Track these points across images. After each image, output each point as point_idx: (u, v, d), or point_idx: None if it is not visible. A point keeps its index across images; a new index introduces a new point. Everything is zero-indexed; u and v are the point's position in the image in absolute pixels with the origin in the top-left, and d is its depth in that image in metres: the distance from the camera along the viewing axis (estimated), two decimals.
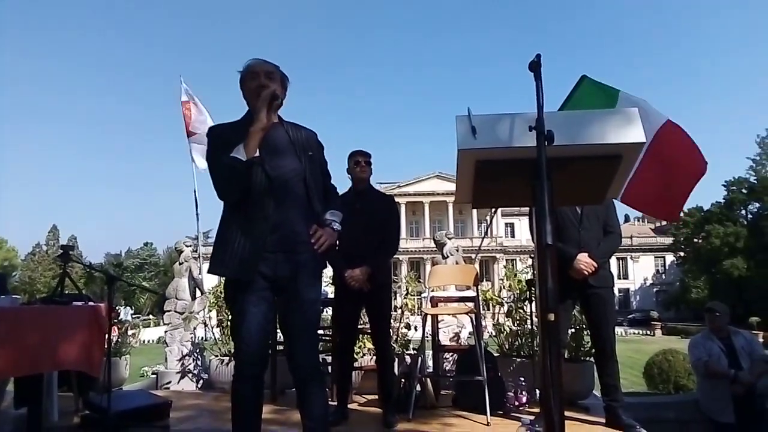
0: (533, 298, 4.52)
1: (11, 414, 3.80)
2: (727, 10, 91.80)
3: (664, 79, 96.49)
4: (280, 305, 2.38)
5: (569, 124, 1.84)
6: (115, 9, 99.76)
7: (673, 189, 4.12)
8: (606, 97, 4.21)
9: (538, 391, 4.23)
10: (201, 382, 5.68)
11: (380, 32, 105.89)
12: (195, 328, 6.13)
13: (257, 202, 2.29)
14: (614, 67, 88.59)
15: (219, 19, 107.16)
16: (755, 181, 45.64)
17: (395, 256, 4.19)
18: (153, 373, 6.79)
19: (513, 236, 56.59)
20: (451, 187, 50.75)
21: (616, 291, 4.05)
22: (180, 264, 6.50)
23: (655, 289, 56.57)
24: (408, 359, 5.20)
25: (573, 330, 4.60)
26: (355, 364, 4.57)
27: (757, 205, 45.98)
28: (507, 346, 5.21)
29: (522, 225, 55.28)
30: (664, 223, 59.63)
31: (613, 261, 3.99)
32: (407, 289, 5.98)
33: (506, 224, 56.92)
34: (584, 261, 3.52)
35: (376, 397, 4.42)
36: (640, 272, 56.85)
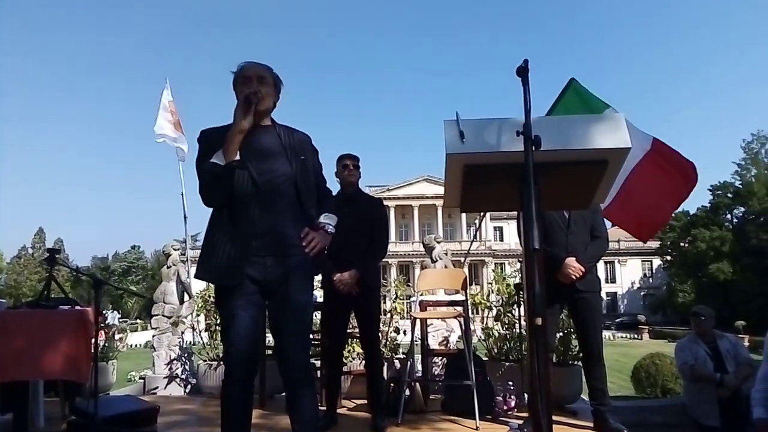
0: (522, 302, 4.54)
1: None
2: (714, 13, 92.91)
3: (650, 83, 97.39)
4: (272, 309, 2.37)
5: (556, 129, 1.87)
6: (99, 8, 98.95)
7: (654, 211, 4.20)
8: (590, 108, 4.27)
9: (526, 396, 4.24)
10: (189, 387, 5.64)
11: (368, 35, 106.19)
12: (183, 333, 6.09)
13: (242, 207, 2.29)
14: (601, 71, 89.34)
15: (208, 21, 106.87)
16: (740, 186, 46.18)
17: (384, 260, 4.19)
18: (140, 378, 6.74)
19: (502, 240, 56.80)
20: (441, 190, 50.67)
21: (603, 295, 4.09)
22: (168, 267, 6.46)
23: (642, 293, 56.99)
24: (397, 363, 5.21)
25: (561, 334, 4.63)
26: (344, 369, 4.56)
27: (742, 209, 46.51)
28: (496, 350, 5.23)
29: (511, 229, 55.45)
30: None
31: (600, 265, 4.02)
32: (396, 293, 5.98)
33: (495, 228, 57.12)
34: (572, 265, 3.54)
35: (365, 401, 4.41)
36: (627, 276, 57.26)
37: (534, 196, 1.68)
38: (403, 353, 5.50)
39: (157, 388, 5.68)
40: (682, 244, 49.83)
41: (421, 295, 4.84)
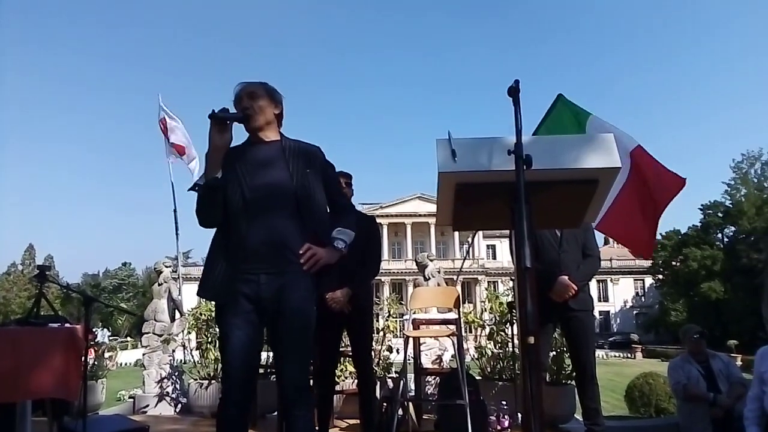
0: (514, 321, 4.53)
1: None
2: (702, 37, 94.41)
3: (641, 102, 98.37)
4: (269, 327, 2.32)
5: (547, 148, 1.89)
6: (89, 27, 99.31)
7: (646, 220, 4.20)
8: (577, 119, 4.30)
9: (520, 415, 4.22)
10: (179, 406, 5.58)
11: (360, 53, 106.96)
12: (174, 351, 6.04)
13: (235, 224, 2.29)
14: (593, 90, 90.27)
15: (204, 37, 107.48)
16: (731, 205, 46.57)
17: (377, 278, 4.18)
18: (130, 397, 6.67)
19: (495, 258, 56.80)
20: (433, 208, 49.92)
21: (596, 313, 4.09)
22: (159, 285, 6.43)
23: (635, 312, 56.99)
24: (390, 383, 5.17)
25: (554, 353, 4.62)
26: (337, 388, 4.53)
27: (733, 228, 46.87)
28: (489, 369, 5.21)
29: (503, 247, 55.49)
30: None
31: (593, 283, 4.03)
32: (389, 311, 5.96)
33: (488, 246, 57.16)
34: (564, 284, 3.54)
35: (358, 421, 4.37)
36: (620, 295, 57.30)
37: (525, 215, 1.69)
38: (395, 372, 5.47)
39: (147, 407, 5.61)
40: (673, 263, 50.04)
41: (414, 313, 4.83)
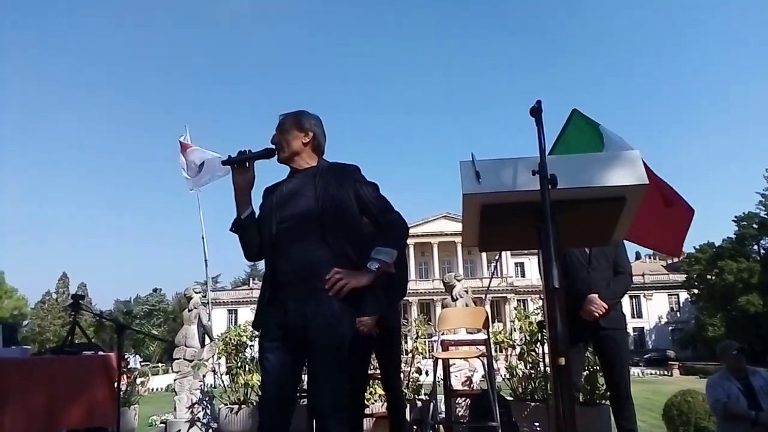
0: (545, 340, 4.47)
1: None
2: (733, 43, 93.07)
3: (671, 115, 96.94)
4: (303, 353, 2.32)
5: (572, 167, 1.87)
6: (119, 64, 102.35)
7: (671, 223, 4.11)
8: (595, 133, 4.26)
9: None
10: (210, 431, 5.60)
11: (384, 75, 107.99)
12: (204, 376, 6.09)
13: (266, 256, 2.40)
14: (620, 105, 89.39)
15: (224, 76, 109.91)
16: (766, 216, 45.37)
17: (405, 298, 4.16)
18: (161, 423, 6.72)
19: (523, 276, 56.19)
20: (459, 227, 50.18)
21: (630, 330, 4.00)
22: (189, 311, 6.50)
23: (670, 328, 55.61)
24: (420, 405, 5.12)
25: (587, 372, 4.53)
26: (366, 411, 4.50)
27: None
28: (520, 390, 5.13)
29: (532, 264, 54.89)
30: (675, 259, 59.18)
31: (626, 300, 3.94)
32: (417, 333, 5.93)
33: (516, 264, 56.61)
34: (594, 303, 3.48)
35: None
36: (654, 310, 56.00)
37: (552, 235, 1.67)
38: (425, 394, 5.42)
39: (179, 431, 5.66)
40: (708, 276, 48.78)
41: (443, 334, 4.80)
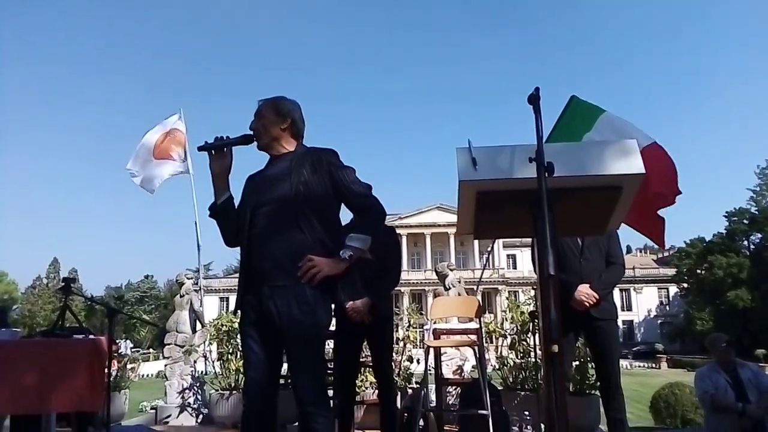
0: (537, 330, 4.48)
1: None
2: (728, 42, 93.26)
3: (665, 110, 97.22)
4: (279, 339, 2.30)
5: (569, 155, 1.87)
6: (119, 48, 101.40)
7: (652, 208, 4.12)
8: (586, 118, 4.26)
9: (543, 426, 4.16)
10: (201, 416, 5.61)
11: (378, 64, 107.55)
12: (195, 362, 6.08)
13: (242, 242, 2.39)
14: (619, 96, 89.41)
15: (224, 55, 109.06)
16: (756, 212, 45.71)
17: (397, 288, 4.16)
18: (152, 408, 6.72)
19: (515, 267, 56.38)
20: (452, 218, 50.76)
21: (620, 323, 4.00)
22: (181, 296, 6.48)
23: (659, 321, 56.05)
24: (410, 392, 5.14)
25: (577, 363, 4.56)
26: (357, 398, 4.51)
27: (759, 235, 45.99)
28: (511, 380, 5.15)
29: (524, 256, 55.08)
30: (666, 253, 59.51)
31: (615, 292, 3.93)
32: (409, 321, 5.94)
33: (508, 255, 56.76)
34: (585, 292, 3.48)
35: (379, 431, 4.35)
36: (643, 304, 56.41)
37: (548, 222, 1.67)
38: (416, 383, 5.44)
39: (169, 417, 5.65)
40: (698, 271, 49.16)
41: (435, 323, 4.80)
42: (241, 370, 5.30)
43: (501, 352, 5.49)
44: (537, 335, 4.48)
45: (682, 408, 11.44)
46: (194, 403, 5.70)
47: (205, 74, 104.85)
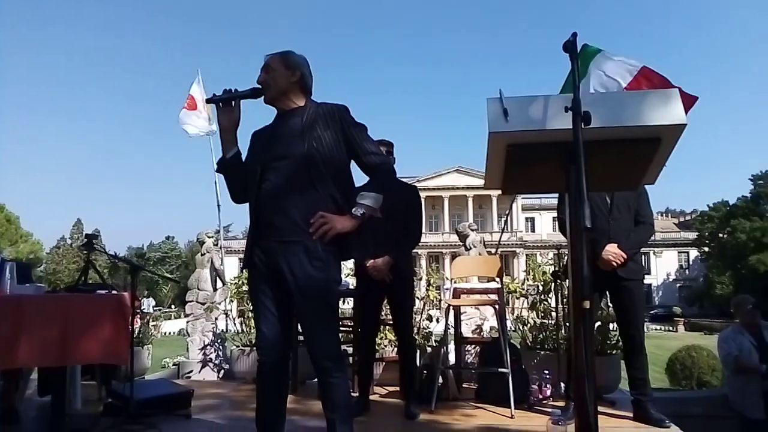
0: (558, 290, 4.43)
1: (35, 401, 3.84)
2: (757, 8, 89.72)
3: (690, 71, 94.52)
4: (289, 296, 2.28)
5: (605, 104, 1.78)
6: (139, 11, 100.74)
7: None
8: (584, 63, 4.28)
9: (562, 385, 4.16)
10: (222, 372, 5.70)
11: (397, 29, 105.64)
12: (216, 319, 6.15)
13: (251, 197, 2.35)
14: (646, 54, 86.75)
15: (238, 22, 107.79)
16: None
17: (414, 250, 4.11)
18: (174, 364, 6.85)
19: (533, 231, 56.13)
20: (471, 181, 50.46)
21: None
22: (202, 255, 6.52)
23: (678, 285, 55.79)
24: (429, 351, 5.15)
25: (599, 323, 4.52)
26: (377, 356, 4.53)
27: None
28: (530, 339, 5.14)
29: (542, 219, 54.80)
30: (688, 217, 58.75)
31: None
32: (429, 281, 5.92)
33: (527, 219, 56.49)
34: (612, 252, 3.41)
35: (398, 388, 4.38)
36: (662, 267, 56.02)
37: (583, 175, 1.59)
38: (435, 341, 5.45)
39: (191, 372, 5.75)
40: (720, 235, 48.51)
41: (455, 282, 4.78)
42: None
43: (520, 314, 5.47)
44: (558, 295, 4.44)
45: (698, 370, 11.46)
46: (216, 359, 5.79)
47: (223, 29, 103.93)
